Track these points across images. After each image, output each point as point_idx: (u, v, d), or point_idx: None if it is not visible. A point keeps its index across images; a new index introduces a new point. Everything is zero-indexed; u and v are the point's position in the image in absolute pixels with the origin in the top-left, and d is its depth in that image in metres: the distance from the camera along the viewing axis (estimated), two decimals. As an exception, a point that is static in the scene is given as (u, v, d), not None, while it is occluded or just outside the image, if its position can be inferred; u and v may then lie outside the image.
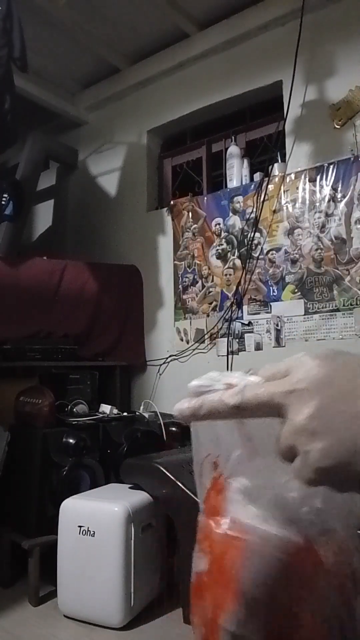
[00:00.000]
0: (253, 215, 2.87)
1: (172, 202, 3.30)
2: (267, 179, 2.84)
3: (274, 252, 2.80)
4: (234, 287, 2.92)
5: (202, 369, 3.01)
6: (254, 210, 2.87)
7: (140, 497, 2.02)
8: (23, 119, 2.84)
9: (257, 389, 0.35)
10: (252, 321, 2.85)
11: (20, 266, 2.90)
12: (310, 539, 0.38)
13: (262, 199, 2.84)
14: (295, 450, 0.32)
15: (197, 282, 3.11)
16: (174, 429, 2.69)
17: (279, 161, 2.83)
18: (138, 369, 3.32)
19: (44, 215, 4.14)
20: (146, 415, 2.82)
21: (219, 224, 3.04)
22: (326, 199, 2.61)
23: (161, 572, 2.08)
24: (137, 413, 2.87)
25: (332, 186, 2.59)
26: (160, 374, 3.21)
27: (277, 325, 2.75)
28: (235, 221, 2.97)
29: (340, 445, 0.30)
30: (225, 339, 2.91)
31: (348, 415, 0.30)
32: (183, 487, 1.88)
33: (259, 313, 2.82)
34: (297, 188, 2.72)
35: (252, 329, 2.84)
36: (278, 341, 2.73)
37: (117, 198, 3.62)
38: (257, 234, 2.86)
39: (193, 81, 3.25)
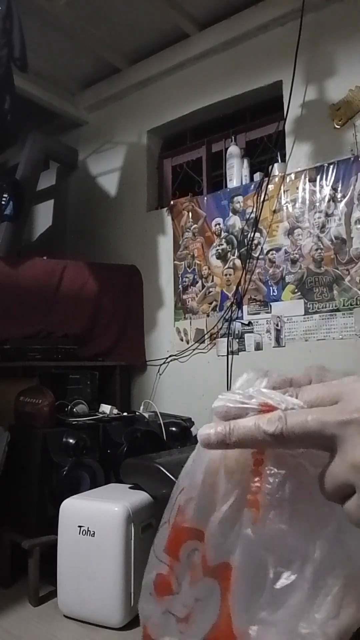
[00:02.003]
0: (253, 215, 2.87)
1: (172, 202, 3.30)
2: (267, 179, 2.84)
3: (274, 252, 2.80)
4: (234, 287, 2.92)
5: (202, 369, 3.01)
6: (254, 210, 2.87)
7: (140, 497, 2.02)
8: (23, 119, 2.84)
9: (304, 416, 0.30)
10: (252, 321, 2.85)
11: (20, 266, 2.90)
12: None
13: (262, 199, 2.84)
14: (350, 488, 0.29)
15: (197, 282, 3.11)
16: (174, 429, 2.69)
17: (279, 161, 2.83)
18: (138, 369, 3.32)
19: (44, 215, 4.14)
20: (146, 415, 2.82)
21: (219, 224, 3.04)
22: (326, 199, 2.61)
23: (161, 572, 2.08)
24: (137, 413, 2.87)
25: (332, 186, 2.59)
26: (160, 374, 3.21)
27: (277, 325, 2.75)
28: (235, 221, 2.97)
29: None
30: (225, 339, 2.91)
31: None
32: (183, 487, 1.88)
33: (259, 313, 2.82)
34: (297, 188, 2.72)
35: (252, 329, 2.84)
36: (278, 341, 2.73)
37: (117, 198, 3.62)
38: (257, 234, 2.86)
39: (193, 81, 3.25)
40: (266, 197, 2.83)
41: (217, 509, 0.36)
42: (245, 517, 0.34)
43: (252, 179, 2.97)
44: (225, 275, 2.99)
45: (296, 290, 2.69)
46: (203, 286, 3.08)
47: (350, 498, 0.29)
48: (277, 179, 2.81)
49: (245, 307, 2.88)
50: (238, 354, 2.88)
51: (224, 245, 3.01)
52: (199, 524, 0.37)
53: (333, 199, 2.59)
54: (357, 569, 0.33)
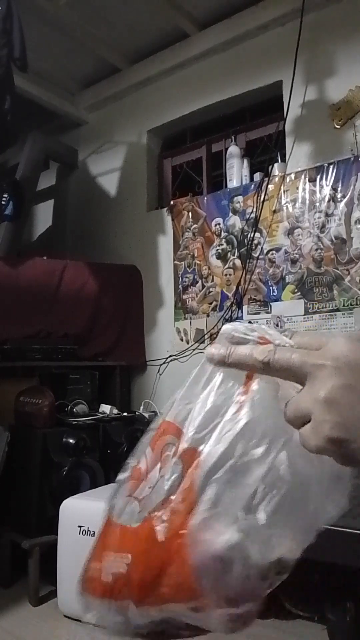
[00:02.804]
0: (253, 215, 2.87)
1: (172, 202, 3.30)
2: (267, 179, 2.84)
3: (274, 252, 2.80)
4: (234, 287, 2.92)
5: (202, 369, 3.01)
6: (254, 210, 2.87)
7: (140, 497, 2.02)
8: (23, 119, 2.84)
9: (290, 353, 0.36)
10: (252, 321, 2.84)
11: (20, 266, 2.90)
12: None
13: (262, 199, 2.84)
14: (307, 417, 0.34)
15: (197, 282, 3.11)
16: (174, 429, 2.68)
17: (279, 161, 2.83)
18: (138, 369, 3.32)
19: (44, 215, 4.14)
20: (146, 415, 2.82)
21: (219, 224, 3.04)
22: (326, 199, 2.61)
23: (161, 572, 2.08)
24: (137, 413, 2.87)
25: (332, 186, 2.59)
26: (160, 374, 3.21)
27: (277, 325, 2.74)
28: (235, 221, 2.97)
29: (355, 423, 0.32)
30: (225, 339, 2.91)
31: None
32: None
33: (259, 313, 2.82)
34: (297, 188, 2.72)
35: (252, 329, 2.84)
36: (278, 341, 2.73)
37: (117, 198, 3.62)
38: (257, 234, 2.86)
39: (193, 81, 3.25)
40: (266, 197, 2.83)
41: (201, 405, 0.41)
42: (228, 411, 0.40)
43: (252, 179, 2.97)
44: (225, 275, 2.99)
45: (296, 290, 2.69)
46: (203, 286, 3.08)
47: (305, 425, 0.34)
48: (277, 179, 2.81)
49: (245, 307, 2.88)
50: (238, 354, 2.87)
51: (224, 245, 3.01)
52: (181, 423, 0.42)
53: (333, 199, 2.59)
54: (295, 489, 0.38)
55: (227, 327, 0.40)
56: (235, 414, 0.39)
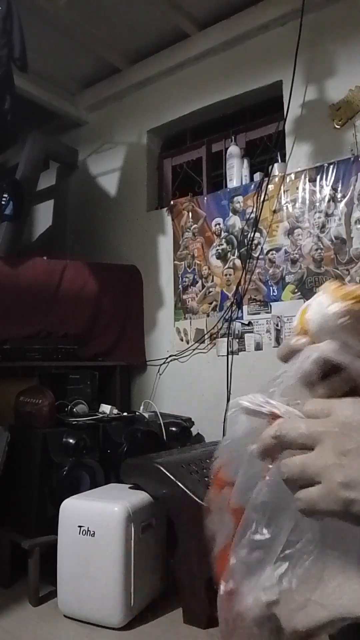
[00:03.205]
0: (253, 215, 2.87)
1: (172, 202, 3.30)
2: (267, 179, 2.84)
3: (274, 252, 2.80)
4: (234, 287, 2.92)
5: (202, 369, 3.01)
6: (254, 210, 2.87)
7: (140, 497, 2.02)
8: (23, 119, 2.84)
9: (298, 423, 0.39)
10: (252, 321, 2.85)
11: (20, 266, 2.90)
12: None
13: (262, 199, 2.84)
14: (313, 481, 0.36)
15: (197, 282, 3.11)
16: (174, 429, 2.69)
17: (279, 161, 2.83)
18: (138, 369, 3.32)
19: (44, 215, 4.14)
20: (146, 415, 2.82)
21: (219, 224, 3.04)
22: (326, 199, 2.61)
23: (161, 572, 2.08)
24: (137, 413, 2.87)
25: (332, 186, 2.59)
26: (160, 374, 3.21)
27: (277, 325, 2.75)
28: (235, 221, 2.97)
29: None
30: (225, 339, 2.91)
31: None
32: (183, 487, 1.88)
33: (259, 313, 2.82)
34: (297, 188, 2.72)
35: (252, 329, 2.84)
36: (278, 341, 2.73)
37: (117, 198, 3.62)
38: (257, 234, 2.86)
39: (193, 81, 3.25)
40: (266, 197, 2.83)
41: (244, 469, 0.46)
42: (260, 481, 0.44)
43: (252, 179, 2.97)
44: (225, 275, 2.99)
45: (296, 290, 2.69)
46: (203, 286, 3.08)
47: (307, 488, 0.36)
48: (277, 179, 2.81)
49: (245, 307, 2.88)
50: (238, 354, 2.88)
51: (224, 245, 3.01)
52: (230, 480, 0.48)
53: (333, 199, 2.59)
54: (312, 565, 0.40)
55: (244, 400, 0.43)
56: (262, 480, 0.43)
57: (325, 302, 0.45)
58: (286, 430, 0.38)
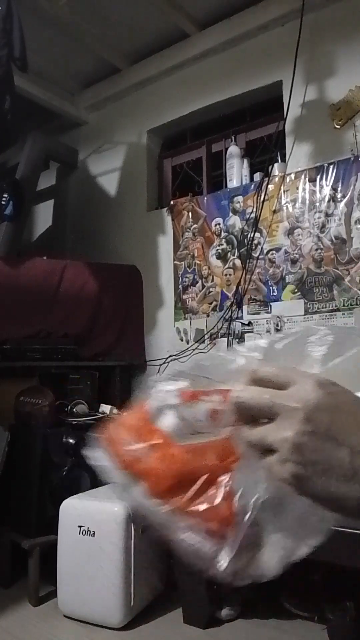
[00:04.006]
0: (253, 215, 2.87)
1: (172, 202, 3.30)
2: (267, 179, 2.84)
3: (274, 252, 2.80)
4: (234, 287, 2.92)
5: (202, 369, 3.01)
6: (254, 210, 2.87)
7: (140, 497, 2.02)
8: (23, 119, 2.84)
9: (261, 393, 0.40)
10: (252, 321, 2.85)
11: (20, 266, 2.90)
12: None
13: (262, 199, 2.84)
14: (272, 449, 0.38)
15: (197, 282, 3.11)
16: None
17: (279, 161, 2.83)
18: (138, 369, 3.32)
19: (44, 215, 4.14)
20: (146, 415, 2.81)
21: (219, 224, 3.04)
22: (326, 199, 2.61)
23: (161, 572, 2.08)
24: (137, 413, 2.87)
25: (332, 186, 2.59)
26: (160, 374, 3.21)
27: (277, 325, 2.75)
28: (235, 221, 2.97)
29: (315, 464, 0.37)
30: (225, 339, 2.91)
31: (329, 446, 0.37)
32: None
33: (259, 313, 2.82)
34: (297, 188, 2.72)
35: (252, 329, 2.84)
36: (278, 341, 2.73)
37: (117, 198, 3.62)
38: (257, 234, 2.86)
39: (193, 81, 3.25)
40: (266, 197, 2.83)
41: None
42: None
43: (252, 179, 2.97)
44: (225, 275, 2.99)
45: (296, 290, 2.69)
46: (203, 286, 3.08)
47: (269, 455, 0.38)
48: (277, 179, 2.81)
49: (245, 307, 2.88)
50: (238, 354, 2.87)
51: (224, 245, 3.01)
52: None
53: (333, 199, 2.59)
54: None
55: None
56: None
57: None
58: (249, 397, 0.40)
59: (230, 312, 2.91)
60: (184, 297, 3.16)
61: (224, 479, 0.43)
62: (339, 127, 2.60)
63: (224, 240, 3.01)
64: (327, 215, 2.60)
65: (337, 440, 0.37)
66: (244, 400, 0.40)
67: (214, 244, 3.05)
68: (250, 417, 0.40)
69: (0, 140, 2.71)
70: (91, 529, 1.91)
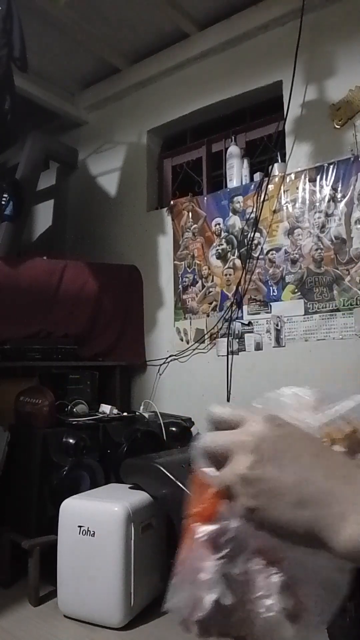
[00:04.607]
0: (253, 215, 2.87)
1: (172, 202, 3.30)
2: (267, 179, 2.84)
3: (274, 252, 2.80)
4: (234, 287, 2.92)
5: (202, 369, 3.01)
6: (254, 210, 2.87)
7: (140, 497, 2.02)
8: (23, 119, 2.84)
9: (217, 436, 0.42)
10: (252, 321, 2.85)
11: (20, 266, 2.90)
12: None
13: (262, 199, 2.84)
14: (230, 489, 0.39)
15: (197, 282, 3.11)
16: (174, 429, 2.69)
17: (279, 161, 2.83)
18: (138, 369, 3.32)
19: (44, 215, 4.14)
20: (146, 415, 2.82)
21: (219, 224, 3.04)
22: (326, 199, 2.61)
23: (161, 572, 2.08)
24: (137, 413, 2.87)
25: (332, 186, 2.59)
26: (160, 374, 3.21)
27: (277, 325, 2.75)
28: (235, 221, 2.97)
29: (267, 494, 0.38)
30: (225, 339, 2.91)
31: (277, 474, 0.38)
32: (183, 487, 1.88)
33: (259, 313, 2.82)
34: (297, 188, 2.72)
35: (252, 329, 2.84)
36: (278, 341, 2.74)
37: (117, 198, 3.62)
38: (257, 234, 2.86)
39: (193, 81, 3.25)
40: (266, 197, 2.83)
41: None
42: None
43: (252, 179, 2.97)
44: (225, 275, 2.99)
45: (296, 290, 2.69)
46: (203, 286, 3.08)
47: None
48: (277, 179, 2.81)
49: (245, 307, 2.88)
50: (238, 354, 2.88)
51: (224, 245, 3.01)
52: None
53: (333, 199, 2.59)
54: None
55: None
56: None
57: None
58: (208, 442, 0.42)
59: (230, 312, 2.91)
60: (184, 297, 3.16)
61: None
62: (339, 127, 2.60)
63: (224, 240, 3.01)
64: (327, 215, 2.60)
65: (284, 467, 0.38)
66: (205, 446, 0.42)
67: (214, 244, 3.05)
68: (218, 461, 0.41)
69: (0, 140, 2.71)
70: (91, 529, 1.91)
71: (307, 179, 2.69)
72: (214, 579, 0.41)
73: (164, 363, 3.19)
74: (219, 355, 2.95)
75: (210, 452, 0.42)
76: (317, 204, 2.64)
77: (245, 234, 2.90)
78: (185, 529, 0.44)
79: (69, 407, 2.66)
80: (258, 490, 0.38)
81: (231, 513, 0.40)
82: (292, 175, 2.75)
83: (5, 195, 3.04)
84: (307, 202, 2.68)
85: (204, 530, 0.42)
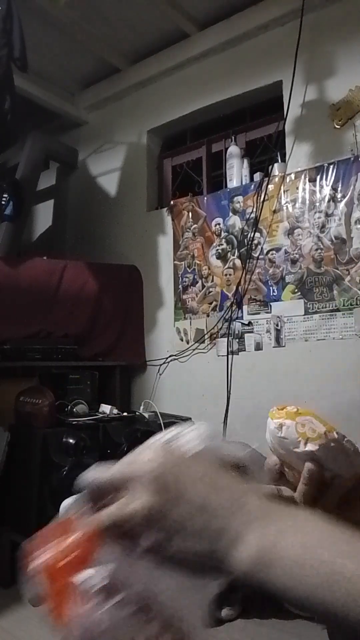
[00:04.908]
0: (253, 215, 2.87)
1: (172, 202, 3.30)
2: (267, 179, 2.84)
3: (274, 252, 2.80)
4: (234, 287, 2.92)
5: (202, 369, 3.01)
6: (254, 210, 2.87)
7: (140, 497, 2.02)
8: (23, 119, 2.84)
9: (112, 472, 0.41)
10: (252, 321, 2.85)
11: (20, 266, 2.90)
12: None
13: (262, 199, 2.84)
14: (126, 524, 0.39)
15: (197, 282, 3.11)
16: (174, 429, 2.69)
17: (279, 161, 2.83)
18: (138, 369, 3.32)
19: (44, 215, 4.14)
20: (146, 415, 2.82)
21: (219, 224, 3.04)
22: (326, 199, 2.61)
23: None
24: (137, 413, 2.87)
25: (332, 186, 2.59)
26: (160, 374, 3.21)
27: (277, 325, 2.75)
28: (235, 221, 2.97)
29: (165, 528, 0.38)
30: (225, 339, 2.91)
31: (174, 505, 0.38)
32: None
33: (259, 313, 2.82)
34: (297, 188, 2.72)
35: (252, 329, 2.84)
36: (278, 341, 2.74)
37: (117, 198, 3.62)
38: (257, 234, 2.86)
39: (193, 81, 3.25)
40: (266, 197, 2.83)
41: None
42: None
43: (252, 179, 2.97)
44: (225, 275, 2.99)
45: (296, 290, 2.69)
46: (203, 286, 3.08)
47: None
48: (277, 179, 2.81)
49: (245, 307, 2.88)
50: (238, 354, 2.87)
51: (224, 245, 3.01)
52: None
53: (333, 199, 2.59)
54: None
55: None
56: None
57: (269, 424, 0.56)
58: (97, 476, 0.42)
59: (230, 312, 2.91)
60: (184, 297, 3.16)
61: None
62: (339, 127, 2.60)
63: (224, 240, 3.01)
64: (327, 215, 2.60)
65: (184, 496, 0.38)
66: (94, 480, 0.41)
67: (214, 244, 3.05)
68: (102, 498, 0.41)
69: (0, 140, 2.71)
70: (91, 529, 1.91)
71: (307, 179, 2.69)
72: (111, 628, 0.38)
73: (164, 363, 3.19)
74: (219, 355, 2.95)
75: (102, 486, 0.41)
76: (317, 204, 2.64)
77: (245, 234, 2.90)
78: (53, 582, 0.40)
79: (69, 407, 2.66)
80: (161, 524, 0.37)
81: (112, 555, 0.38)
82: (292, 175, 2.75)
83: (5, 195, 3.04)
84: (307, 202, 2.68)
85: (85, 580, 0.39)
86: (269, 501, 0.39)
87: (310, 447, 0.53)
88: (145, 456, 0.40)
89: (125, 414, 2.83)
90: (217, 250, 3.03)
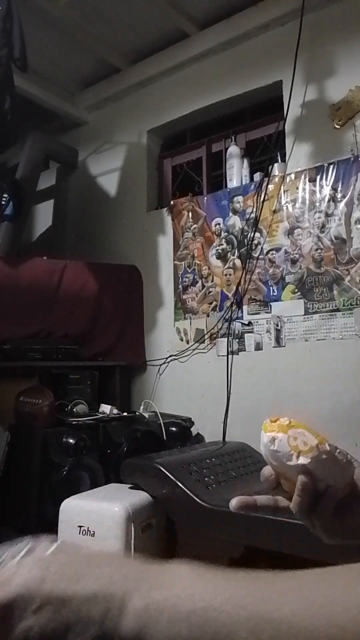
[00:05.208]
0: (253, 215, 2.87)
1: (172, 202, 3.30)
2: (267, 179, 2.84)
3: (274, 252, 2.80)
4: (234, 287, 2.92)
5: (202, 369, 3.01)
6: (254, 210, 2.87)
7: (140, 497, 2.02)
8: (23, 119, 2.84)
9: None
10: (252, 321, 2.85)
11: (20, 266, 2.90)
12: None
13: (262, 199, 2.84)
14: None
15: (197, 282, 3.11)
16: (174, 429, 2.69)
17: (279, 161, 2.83)
18: (138, 369, 3.32)
19: (44, 215, 4.14)
20: (146, 415, 2.82)
21: (219, 224, 3.04)
22: (326, 199, 2.61)
23: (161, 572, 2.08)
24: (137, 413, 2.87)
25: (332, 186, 2.59)
26: (160, 374, 3.21)
27: (277, 325, 2.75)
28: (235, 221, 2.97)
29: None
30: (225, 339, 2.91)
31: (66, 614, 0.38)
32: (183, 487, 1.88)
33: (259, 313, 2.82)
34: (297, 188, 2.72)
35: (252, 329, 2.84)
36: (278, 341, 2.74)
37: (117, 198, 3.62)
38: (257, 234, 2.86)
39: (193, 81, 3.25)
40: (266, 197, 2.83)
41: None
42: None
43: (252, 179, 2.97)
44: (225, 275, 2.99)
45: (296, 290, 2.69)
46: (203, 286, 3.08)
47: None
48: (277, 179, 2.81)
49: (245, 307, 2.88)
50: (238, 354, 2.88)
51: (224, 245, 3.01)
52: None
53: (333, 199, 2.59)
54: None
55: None
56: None
57: (262, 437, 0.58)
58: None
59: (230, 312, 2.91)
60: (184, 297, 3.16)
61: None
62: (339, 127, 2.60)
63: (224, 240, 3.01)
64: (327, 215, 2.60)
65: (66, 600, 0.38)
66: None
67: (214, 244, 3.05)
68: None
69: (0, 140, 2.71)
70: (91, 529, 1.91)
71: (307, 179, 2.69)
72: None
73: (164, 363, 3.19)
74: (219, 355, 2.95)
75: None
76: (317, 204, 2.64)
77: (245, 234, 2.91)
78: None
79: (69, 407, 2.66)
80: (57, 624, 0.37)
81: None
82: (292, 175, 2.75)
83: (5, 195, 3.04)
84: (307, 202, 2.68)
85: None
86: (140, 564, 0.42)
87: (303, 460, 0.54)
88: (23, 571, 0.41)
89: (125, 414, 2.83)
90: (217, 250, 3.03)
